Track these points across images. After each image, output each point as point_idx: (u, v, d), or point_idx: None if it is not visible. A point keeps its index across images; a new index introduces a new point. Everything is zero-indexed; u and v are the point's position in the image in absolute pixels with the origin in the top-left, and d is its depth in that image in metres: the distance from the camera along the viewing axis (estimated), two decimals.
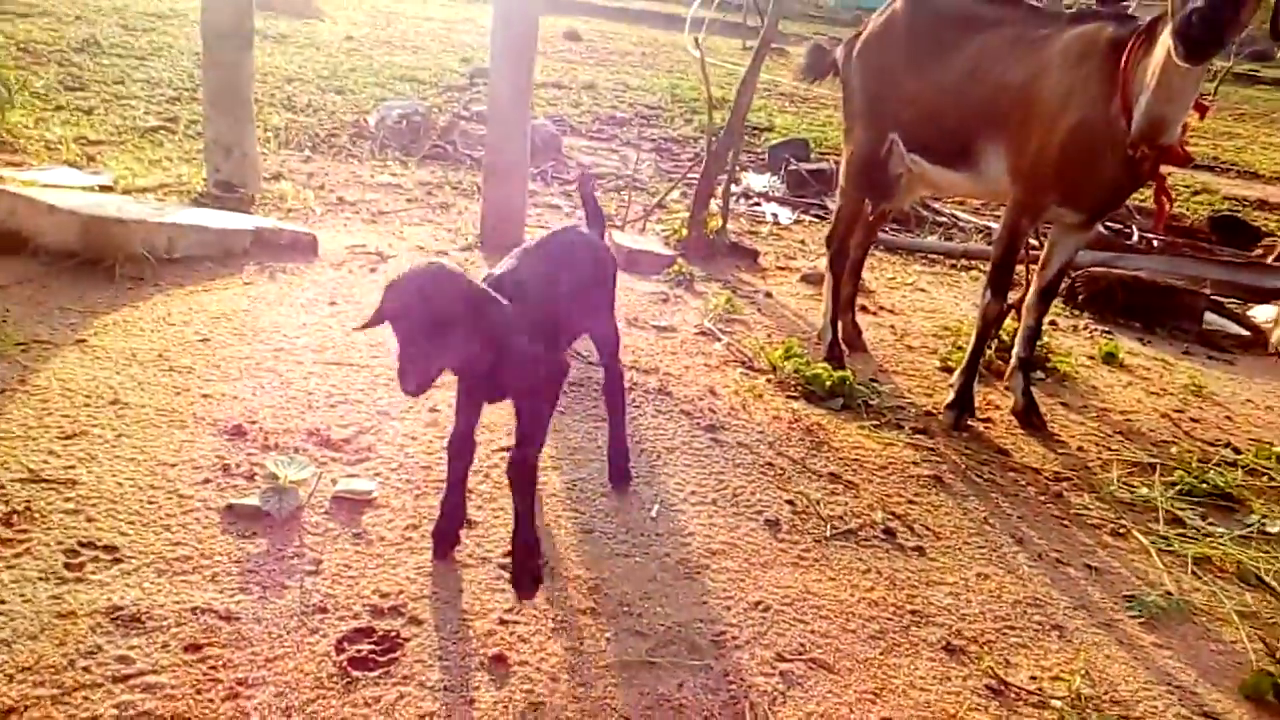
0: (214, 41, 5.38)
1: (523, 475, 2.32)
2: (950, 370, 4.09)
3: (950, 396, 3.75)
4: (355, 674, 2.01)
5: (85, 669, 1.92)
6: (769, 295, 4.96)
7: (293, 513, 2.46)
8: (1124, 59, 3.27)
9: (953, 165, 3.89)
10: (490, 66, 5.42)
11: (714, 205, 5.67)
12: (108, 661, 1.95)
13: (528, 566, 2.35)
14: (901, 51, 3.99)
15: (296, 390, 3.13)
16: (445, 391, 3.27)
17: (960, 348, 4.13)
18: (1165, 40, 3.04)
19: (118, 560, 2.22)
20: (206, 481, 2.57)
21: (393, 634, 2.14)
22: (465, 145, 7.64)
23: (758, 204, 7.28)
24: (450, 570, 2.38)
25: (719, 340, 4.16)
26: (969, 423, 3.71)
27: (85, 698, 1.86)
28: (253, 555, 2.31)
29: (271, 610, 2.15)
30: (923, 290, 5.56)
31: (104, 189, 5.21)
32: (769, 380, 3.81)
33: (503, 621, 2.23)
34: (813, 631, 2.38)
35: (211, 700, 1.89)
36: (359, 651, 2.07)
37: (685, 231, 5.46)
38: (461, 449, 2.42)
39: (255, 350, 3.37)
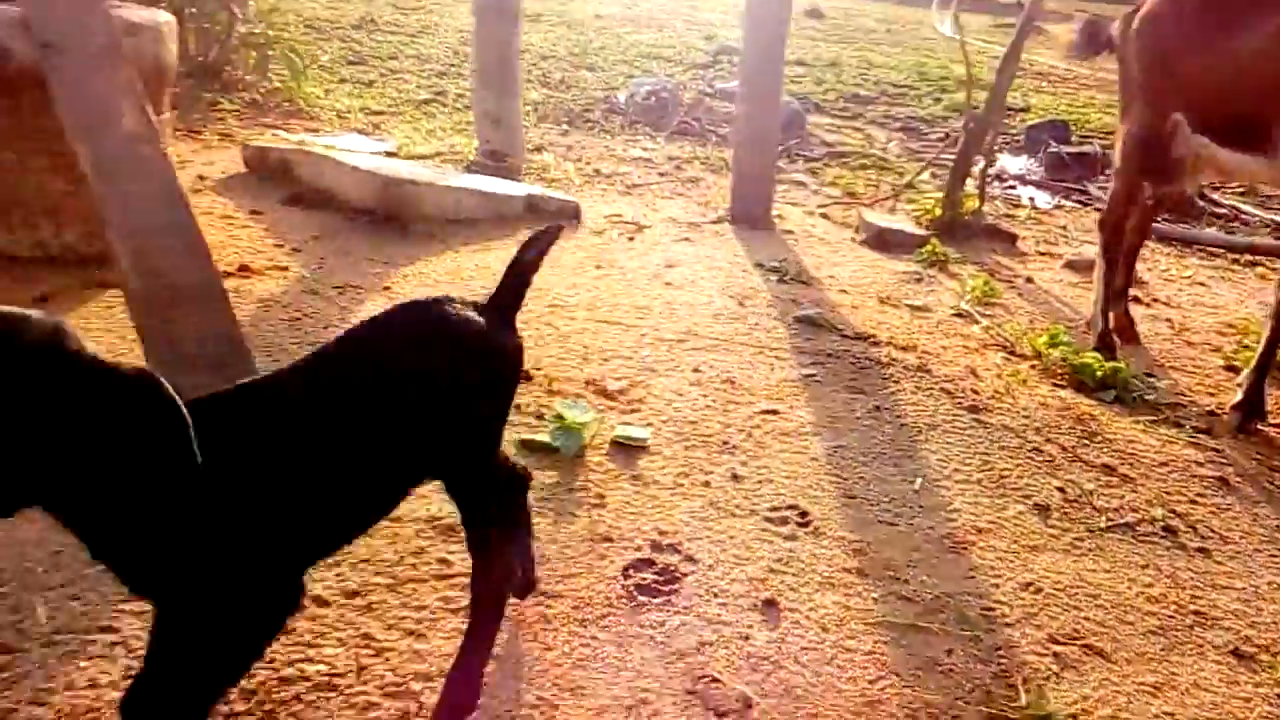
0: (485, 19, 5.76)
1: None
2: (1236, 370, 3.79)
3: (1237, 396, 3.49)
4: (641, 599, 2.16)
5: (413, 565, 2.18)
6: (1029, 280, 4.77)
7: (578, 452, 2.66)
8: None
9: (1246, 148, 3.58)
10: (743, 42, 5.51)
11: (968, 186, 5.50)
12: (430, 562, 2.20)
13: None
14: (1190, 24, 3.70)
15: (574, 343, 3.35)
16: (708, 355, 3.41)
17: (1248, 346, 3.82)
18: None
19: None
20: None
21: (672, 568, 2.27)
22: (710, 122, 7.79)
23: (1013, 187, 6.98)
24: (720, 518, 2.49)
25: (977, 323, 4.06)
26: (1258, 426, 3.43)
27: (414, 589, 2.11)
28: (546, 485, 2.52)
29: (565, 534, 2.34)
30: (1202, 284, 5.16)
31: (389, 155, 5.73)
32: (1033, 367, 3.68)
33: (772, 570, 2.32)
34: (1087, 619, 2.31)
35: (518, 604, 2.10)
36: (643, 579, 2.22)
37: (938, 211, 5.33)
38: None
39: (534, 305, 3.63)
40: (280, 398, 1.51)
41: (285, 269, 3.74)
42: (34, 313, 1.20)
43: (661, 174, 6.19)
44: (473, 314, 1.72)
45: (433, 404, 1.62)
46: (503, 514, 1.89)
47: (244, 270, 3.63)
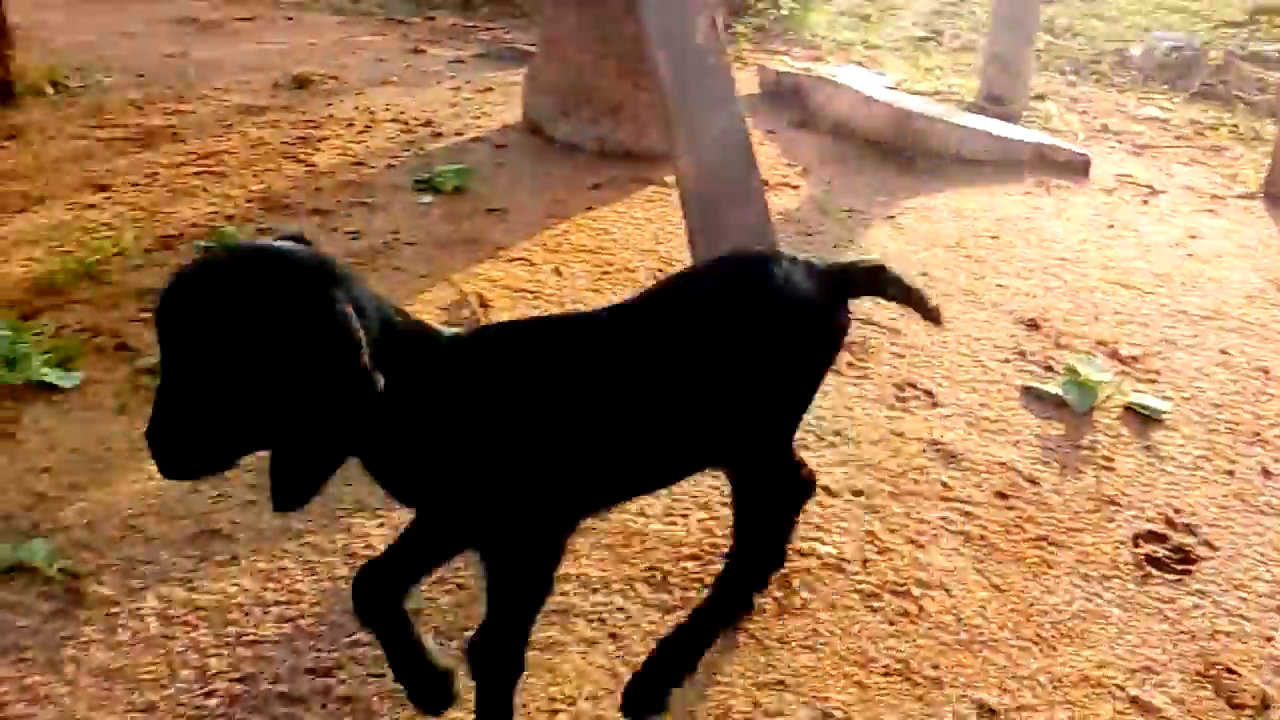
0: None
1: (484, 666, 1.43)
2: None
3: None
4: (1151, 570, 2.08)
5: (914, 480, 2.28)
6: None
7: (1088, 410, 2.58)
8: None
9: None
10: None
11: None
12: (931, 481, 2.28)
13: None
14: None
15: (1083, 300, 3.21)
16: (1239, 338, 3.10)
17: None
18: None
19: (936, 404, 2.57)
20: (1006, 361, 2.80)
21: (1187, 549, 2.15)
22: (1241, 86, 6.84)
23: None
24: (1246, 511, 2.29)
25: None
26: None
27: (916, 502, 2.21)
28: (1050, 436, 2.49)
29: (1069, 488, 2.31)
30: None
31: (888, 90, 5.75)
32: None
33: None
34: None
35: (1016, 541, 2.12)
36: (1154, 552, 2.13)
37: None
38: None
39: (1041, 255, 3.52)
40: (589, 337, 1.44)
41: (797, 188, 3.97)
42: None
43: (1178, 138, 5.59)
44: (801, 275, 1.52)
45: (733, 370, 1.47)
46: (782, 511, 1.75)
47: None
